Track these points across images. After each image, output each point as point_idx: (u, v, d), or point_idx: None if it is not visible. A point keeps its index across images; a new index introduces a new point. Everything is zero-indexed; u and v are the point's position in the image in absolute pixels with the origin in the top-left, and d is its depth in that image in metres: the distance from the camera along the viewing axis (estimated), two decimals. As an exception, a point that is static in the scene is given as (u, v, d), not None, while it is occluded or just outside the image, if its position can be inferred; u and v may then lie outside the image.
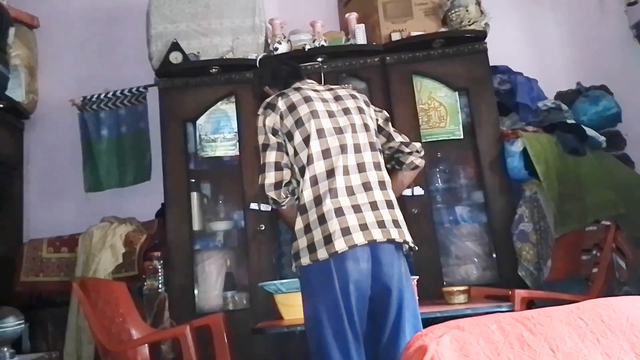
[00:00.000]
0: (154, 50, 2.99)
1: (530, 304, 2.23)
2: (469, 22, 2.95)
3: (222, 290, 2.86)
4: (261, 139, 1.81)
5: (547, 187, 2.69)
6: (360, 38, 3.00)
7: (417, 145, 1.97)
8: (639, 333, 0.99)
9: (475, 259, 2.87)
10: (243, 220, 2.87)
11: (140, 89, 3.32)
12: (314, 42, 2.96)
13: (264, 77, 2.04)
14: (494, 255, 2.81)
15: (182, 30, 3.01)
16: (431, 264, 2.72)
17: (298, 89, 1.86)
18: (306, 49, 2.94)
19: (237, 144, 2.95)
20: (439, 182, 3.00)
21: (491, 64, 2.98)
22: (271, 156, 1.78)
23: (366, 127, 1.83)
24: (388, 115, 1.97)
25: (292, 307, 2.19)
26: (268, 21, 3.10)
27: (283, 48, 3.00)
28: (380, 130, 1.93)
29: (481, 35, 2.96)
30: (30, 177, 3.41)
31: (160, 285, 2.76)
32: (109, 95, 3.32)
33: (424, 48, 2.96)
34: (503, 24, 3.19)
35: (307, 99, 1.81)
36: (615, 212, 2.63)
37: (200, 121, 3.00)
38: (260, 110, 1.84)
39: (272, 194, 1.77)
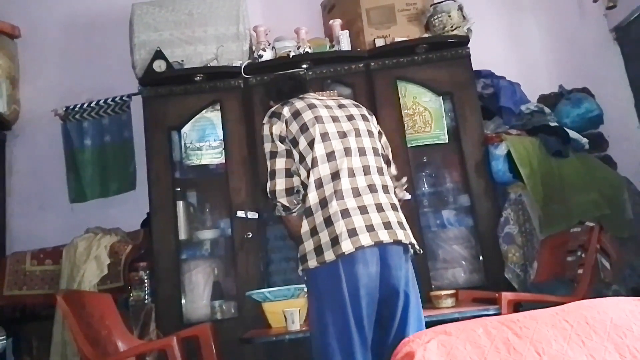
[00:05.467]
0: (138, 58, 2.96)
1: (517, 306, 2.24)
2: (451, 27, 2.98)
3: (209, 300, 2.84)
4: (268, 146, 1.83)
5: (532, 190, 2.72)
6: (345, 44, 3.00)
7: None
8: (622, 334, 1.00)
9: (463, 262, 2.88)
10: (230, 228, 2.85)
11: (124, 98, 3.29)
12: (298, 48, 2.96)
13: (270, 93, 2.06)
14: (481, 258, 2.83)
15: (165, 38, 2.99)
16: (419, 268, 2.70)
17: (302, 98, 1.89)
18: (291, 56, 2.93)
19: (223, 151, 2.93)
20: (425, 186, 3.01)
21: (474, 68, 3.00)
22: (281, 163, 1.80)
23: (370, 133, 1.86)
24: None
25: (280, 315, 2.18)
26: (252, 28, 3.09)
27: (268, 55, 2.99)
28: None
29: (464, 41, 2.98)
30: (13, 188, 3.35)
31: (146, 296, 2.73)
32: (92, 104, 3.28)
33: (407, 54, 2.98)
34: (485, 29, 3.22)
35: (311, 106, 1.83)
36: (599, 213, 2.66)
37: (185, 129, 2.98)
38: (266, 119, 1.86)
39: (283, 200, 1.78)
